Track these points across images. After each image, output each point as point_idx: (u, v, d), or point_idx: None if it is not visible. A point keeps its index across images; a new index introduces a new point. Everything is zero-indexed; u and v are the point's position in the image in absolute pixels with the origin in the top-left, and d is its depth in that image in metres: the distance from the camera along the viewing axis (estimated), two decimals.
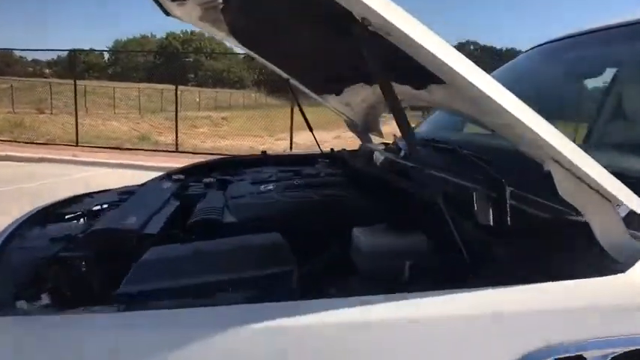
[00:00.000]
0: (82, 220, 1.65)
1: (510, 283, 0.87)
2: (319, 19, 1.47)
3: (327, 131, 15.43)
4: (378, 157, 1.87)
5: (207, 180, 2.03)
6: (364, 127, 2.69)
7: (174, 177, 2.17)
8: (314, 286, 1.05)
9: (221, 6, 1.93)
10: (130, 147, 12.75)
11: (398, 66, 0.97)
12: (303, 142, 13.82)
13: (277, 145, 14.80)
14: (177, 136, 12.13)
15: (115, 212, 1.58)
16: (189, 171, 2.48)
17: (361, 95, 2.11)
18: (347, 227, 1.40)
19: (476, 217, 1.15)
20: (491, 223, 1.13)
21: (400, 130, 0.97)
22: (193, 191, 1.92)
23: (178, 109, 12.42)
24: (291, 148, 11.75)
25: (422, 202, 1.28)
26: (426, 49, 0.77)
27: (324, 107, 2.69)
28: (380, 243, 1.22)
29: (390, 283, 1.03)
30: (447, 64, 0.78)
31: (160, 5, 2.00)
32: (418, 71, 0.95)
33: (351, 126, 2.76)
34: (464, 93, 0.89)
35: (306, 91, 2.63)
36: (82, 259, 1.23)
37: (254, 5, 1.78)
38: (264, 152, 2.76)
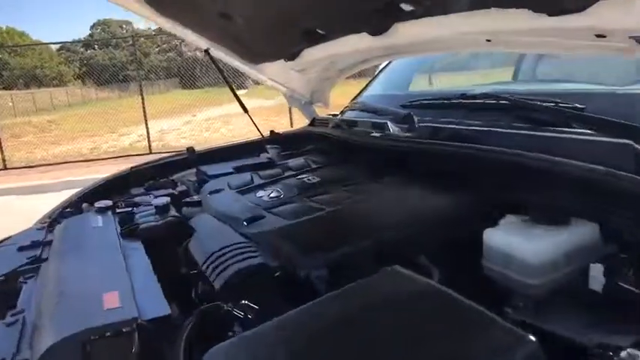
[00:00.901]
0: None
1: None
2: None
3: (174, 119, 14.33)
4: (393, 128, 1.45)
5: (156, 202, 1.39)
6: (312, 98, 2.22)
7: (98, 205, 1.47)
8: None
9: None
10: None
11: None
12: (152, 132, 12.50)
13: (122, 141, 13.31)
14: (2, 151, 9.97)
15: (55, 289, 0.92)
16: (102, 190, 1.78)
17: (335, 54, 1.64)
18: (458, 231, 0.99)
19: None
20: None
21: None
22: (149, 221, 1.29)
23: None
24: (148, 140, 10.51)
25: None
26: None
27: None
28: (552, 244, 0.83)
29: None
30: None
31: None
32: None
33: (292, 98, 2.27)
34: None
35: (233, 61, 2.07)
36: None
37: None
38: (190, 149, 2.12)
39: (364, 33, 1.36)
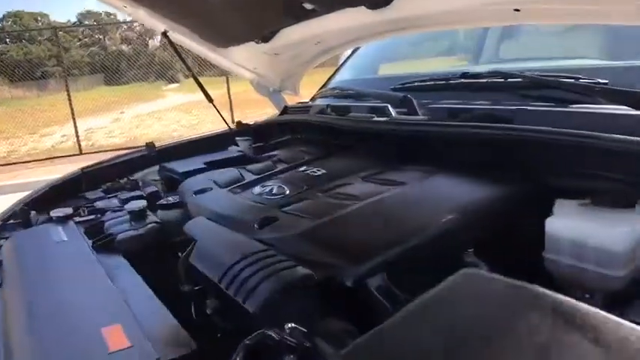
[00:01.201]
0: None
1: None
2: None
3: (101, 117, 13.49)
4: (393, 112, 1.32)
5: (130, 206, 1.18)
6: (281, 85, 2.05)
7: (55, 214, 1.23)
8: None
9: None
10: None
11: None
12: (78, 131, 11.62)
13: (44, 142, 12.32)
14: None
15: (30, 326, 0.70)
16: (51, 197, 1.52)
17: (320, 34, 1.49)
18: (511, 221, 0.88)
19: None
20: None
21: None
22: (124, 230, 1.08)
23: None
24: (77, 140, 9.76)
25: None
26: None
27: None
28: (633, 229, 0.74)
29: None
30: None
31: None
32: None
33: (259, 86, 2.09)
34: None
35: (194, 45, 1.86)
36: None
37: None
38: (150, 144, 1.89)
39: (362, 7, 1.21)
